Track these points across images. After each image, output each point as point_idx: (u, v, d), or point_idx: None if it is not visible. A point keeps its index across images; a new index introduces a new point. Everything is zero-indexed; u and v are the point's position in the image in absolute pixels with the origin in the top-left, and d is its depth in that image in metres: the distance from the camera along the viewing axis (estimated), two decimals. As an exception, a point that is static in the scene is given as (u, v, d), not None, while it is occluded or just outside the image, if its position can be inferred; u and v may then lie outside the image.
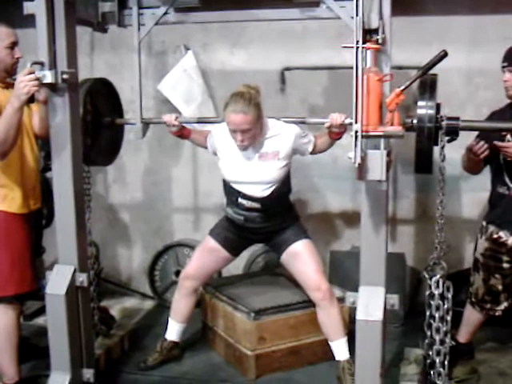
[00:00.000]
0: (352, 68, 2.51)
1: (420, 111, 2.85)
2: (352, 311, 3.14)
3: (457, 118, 3.00)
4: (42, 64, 2.93)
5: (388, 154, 2.67)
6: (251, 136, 3.53)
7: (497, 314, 3.68)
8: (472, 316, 3.77)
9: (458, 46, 4.22)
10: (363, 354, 2.93)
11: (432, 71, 2.79)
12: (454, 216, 4.55)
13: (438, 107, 2.92)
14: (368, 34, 2.68)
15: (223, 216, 3.92)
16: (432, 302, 3.15)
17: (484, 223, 3.66)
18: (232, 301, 4.01)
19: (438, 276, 3.14)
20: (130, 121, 3.90)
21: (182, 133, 3.85)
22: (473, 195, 4.51)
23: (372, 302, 2.90)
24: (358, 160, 2.49)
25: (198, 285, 3.99)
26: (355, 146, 2.48)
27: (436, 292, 3.13)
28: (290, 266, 3.79)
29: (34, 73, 2.91)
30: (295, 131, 3.61)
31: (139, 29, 3.50)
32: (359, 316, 2.88)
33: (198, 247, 4.02)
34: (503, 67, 3.45)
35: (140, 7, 3.41)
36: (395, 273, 4.03)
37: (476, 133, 3.53)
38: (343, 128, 3.32)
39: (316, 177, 4.88)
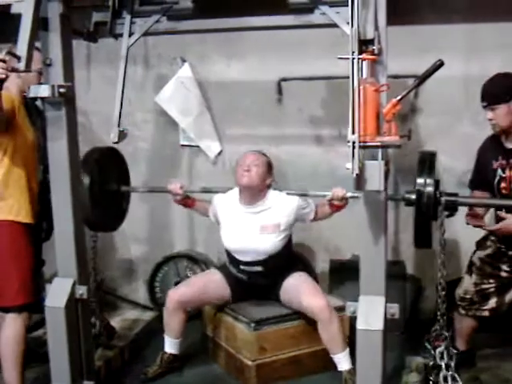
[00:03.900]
0: (349, 78, 2.52)
1: (419, 188, 2.92)
2: (352, 320, 3.14)
3: (455, 194, 3.09)
4: (18, 58, 2.84)
5: (386, 164, 2.67)
6: (257, 177, 3.65)
7: (483, 314, 3.68)
8: (461, 322, 3.79)
9: (454, 54, 4.22)
10: (364, 364, 2.93)
11: (428, 82, 2.79)
12: (455, 221, 4.55)
13: (437, 184, 2.98)
14: (364, 44, 2.67)
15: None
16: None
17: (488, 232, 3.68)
18: (232, 311, 4.01)
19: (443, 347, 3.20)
20: (137, 189, 4.11)
21: (186, 202, 3.97)
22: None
23: (372, 312, 2.89)
24: (356, 170, 2.49)
25: (186, 307, 3.96)
26: (353, 156, 2.48)
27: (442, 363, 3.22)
28: (289, 298, 3.85)
29: (5, 61, 2.81)
30: (296, 203, 3.75)
31: (130, 36, 3.48)
32: (359, 326, 2.88)
33: (200, 274, 4.05)
34: (484, 107, 3.47)
35: (133, 16, 3.41)
36: (395, 281, 4.03)
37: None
38: (343, 202, 3.49)
39: (315, 186, 4.87)
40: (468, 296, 3.67)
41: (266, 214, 3.75)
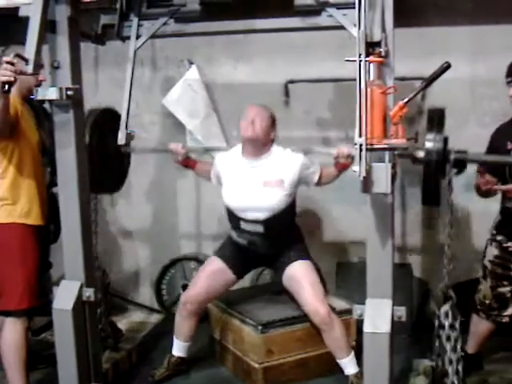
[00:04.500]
0: (356, 80, 2.52)
1: (428, 145, 2.86)
2: (359, 323, 3.13)
3: (464, 152, 3.02)
4: (26, 60, 2.85)
5: (393, 167, 2.67)
6: (261, 130, 3.58)
7: (504, 320, 3.66)
8: (479, 326, 3.75)
9: (460, 56, 4.23)
10: (371, 367, 2.92)
11: (435, 84, 2.79)
12: (462, 224, 4.55)
13: (445, 141, 2.93)
14: (371, 46, 2.67)
15: (227, 237, 3.93)
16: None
17: (494, 231, 3.66)
18: (239, 314, 4.01)
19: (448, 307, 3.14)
20: (136, 149, 3.88)
21: (188, 162, 3.89)
22: (482, 204, 4.48)
23: (379, 315, 2.88)
24: (363, 173, 2.49)
25: (200, 308, 3.95)
26: (360, 159, 2.48)
27: (446, 323, 3.13)
28: (290, 289, 3.81)
29: (13, 64, 2.79)
30: (301, 160, 3.65)
31: (137, 38, 3.49)
32: (366, 329, 2.87)
33: (201, 268, 4.01)
34: (508, 82, 3.44)
35: (141, 19, 3.42)
36: (402, 284, 4.01)
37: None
38: (349, 160, 3.39)
39: (322, 188, 4.87)
40: (487, 301, 3.66)
41: (269, 169, 3.66)
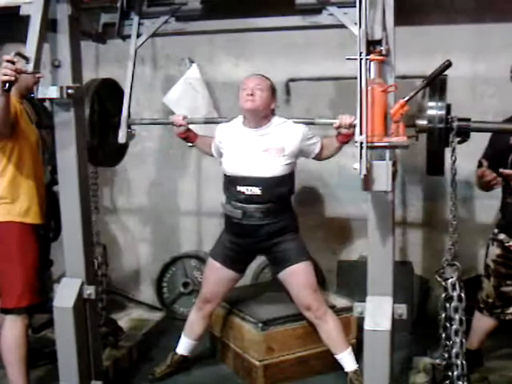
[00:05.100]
0: (356, 78, 2.52)
1: (430, 112, 2.82)
2: (360, 321, 3.14)
3: (468, 119, 2.99)
4: (27, 59, 2.84)
5: (393, 165, 2.67)
6: (261, 101, 3.54)
7: (507, 317, 3.67)
8: (482, 322, 3.76)
9: (461, 54, 4.23)
10: (371, 365, 2.93)
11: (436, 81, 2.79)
12: (464, 223, 4.55)
13: (448, 108, 2.90)
14: (372, 45, 2.68)
15: (220, 232, 3.88)
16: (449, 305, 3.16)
17: (495, 230, 3.66)
18: (240, 311, 4.02)
19: (455, 278, 3.14)
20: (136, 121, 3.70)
21: (189, 135, 3.81)
22: (484, 202, 4.50)
23: (380, 312, 2.89)
24: (364, 171, 2.49)
25: (216, 307, 3.98)
26: (360, 157, 2.48)
27: (455, 294, 3.14)
28: (285, 283, 3.76)
29: (14, 62, 2.78)
30: (303, 130, 3.58)
31: (138, 37, 3.48)
32: (367, 326, 2.87)
33: (205, 271, 4.01)
34: None
35: (141, 17, 3.42)
36: (403, 282, 4.02)
37: (486, 139, 3.55)
38: (351, 130, 3.27)
39: (323, 186, 4.88)
40: (490, 300, 3.66)
41: (270, 138, 3.60)
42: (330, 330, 3.67)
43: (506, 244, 3.57)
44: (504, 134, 3.48)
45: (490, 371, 3.85)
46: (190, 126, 3.75)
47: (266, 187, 3.57)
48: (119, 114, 3.56)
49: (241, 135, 3.66)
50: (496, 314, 3.68)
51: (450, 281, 3.15)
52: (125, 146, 3.91)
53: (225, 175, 3.72)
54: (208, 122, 3.91)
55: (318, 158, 3.72)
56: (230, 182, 3.67)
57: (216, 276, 3.84)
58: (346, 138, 3.45)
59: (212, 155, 3.89)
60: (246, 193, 3.60)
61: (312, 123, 3.58)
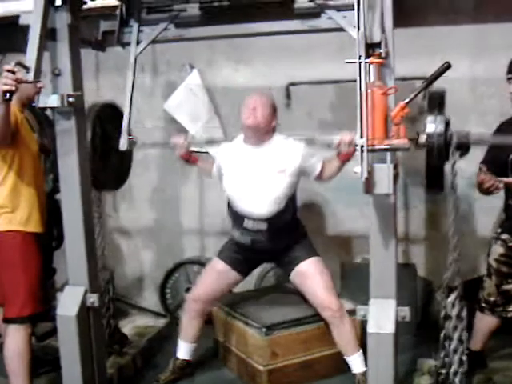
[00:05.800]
0: (356, 81, 2.53)
1: (429, 127, 2.82)
2: (363, 324, 3.13)
3: (467, 133, 2.98)
4: (27, 69, 2.85)
5: (395, 167, 2.67)
6: (263, 118, 3.56)
7: (509, 315, 3.67)
8: (484, 322, 3.76)
9: (461, 55, 4.22)
10: (376, 367, 2.93)
11: (436, 84, 2.79)
12: (466, 224, 4.55)
13: (447, 123, 2.90)
14: (371, 47, 2.68)
15: (229, 238, 3.91)
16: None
17: (499, 230, 3.68)
18: (243, 316, 4.01)
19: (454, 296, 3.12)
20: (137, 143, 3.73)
21: (189, 157, 3.85)
22: (486, 202, 4.48)
23: (383, 315, 2.89)
24: (365, 174, 2.49)
25: (207, 307, 3.97)
26: (361, 160, 2.49)
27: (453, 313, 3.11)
28: (299, 285, 3.78)
29: (14, 72, 2.78)
30: (304, 149, 3.61)
31: (137, 44, 3.49)
32: (370, 329, 2.88)
33: (205, 269, 4.01)
34: (509, 79, 3.45)
35: (141, 24, 3.43)
36: (406, 284, 4.03)
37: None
38: (352, 148, 3.26)
39: (325, 189, 4.88)
40: (492, 298, 3.67)
41: (271, 157, 3.62)
42: (346, 331, 3.67)
43: (510, 244, 3.58)
44: (504, 136, 3.50)
45: (493, 372, 3.85)
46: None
47: (271, 221, 3.63)
48: (120, 137, 3.57)
49: (242, 154, 3.71)
50: (498, 312, 3.68)
51: (449, 299, 3.13)
52: (127, 168, 3.98)
53: (228, 203, 3.77)
54: (210, 141, 3.94)
55: (320, 178, 3.73)
56: (236, 214, 3.73)
57: (217, 274, 3.86)
58: (346, 157, 3.44)
59: (212, 177, 3.94)
60: (253, 228, 3.67)
61: (313, 140, 3.64)
